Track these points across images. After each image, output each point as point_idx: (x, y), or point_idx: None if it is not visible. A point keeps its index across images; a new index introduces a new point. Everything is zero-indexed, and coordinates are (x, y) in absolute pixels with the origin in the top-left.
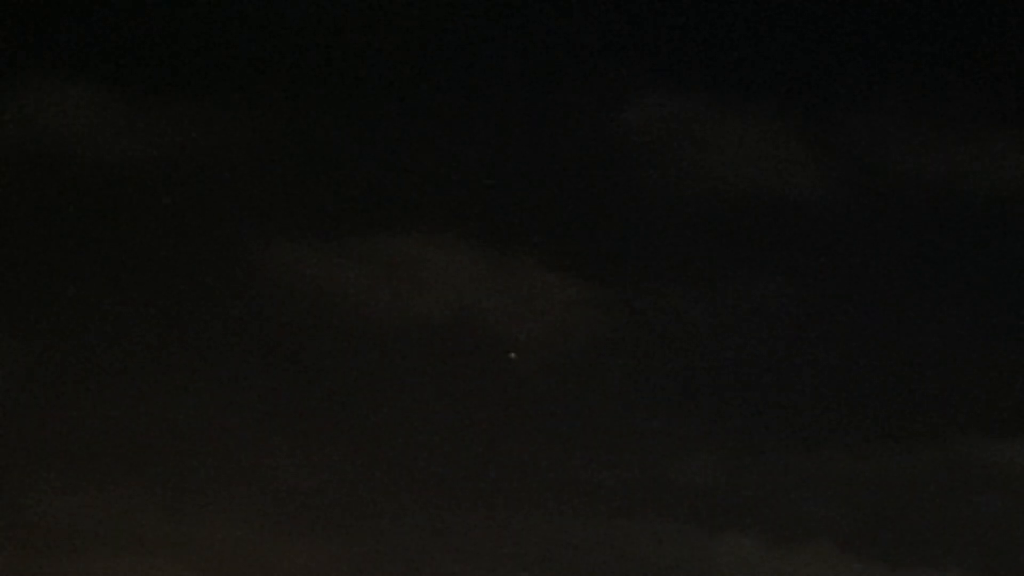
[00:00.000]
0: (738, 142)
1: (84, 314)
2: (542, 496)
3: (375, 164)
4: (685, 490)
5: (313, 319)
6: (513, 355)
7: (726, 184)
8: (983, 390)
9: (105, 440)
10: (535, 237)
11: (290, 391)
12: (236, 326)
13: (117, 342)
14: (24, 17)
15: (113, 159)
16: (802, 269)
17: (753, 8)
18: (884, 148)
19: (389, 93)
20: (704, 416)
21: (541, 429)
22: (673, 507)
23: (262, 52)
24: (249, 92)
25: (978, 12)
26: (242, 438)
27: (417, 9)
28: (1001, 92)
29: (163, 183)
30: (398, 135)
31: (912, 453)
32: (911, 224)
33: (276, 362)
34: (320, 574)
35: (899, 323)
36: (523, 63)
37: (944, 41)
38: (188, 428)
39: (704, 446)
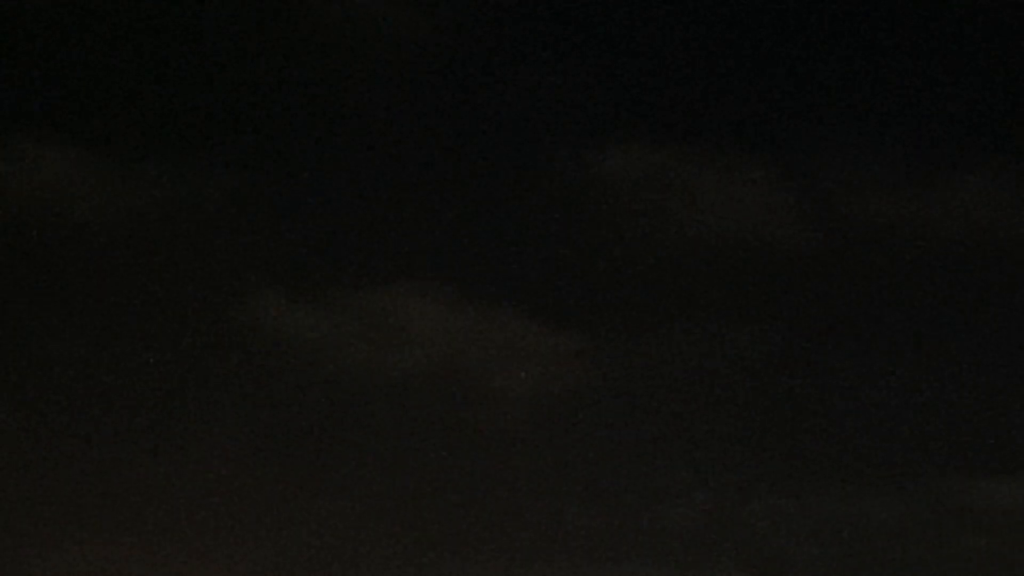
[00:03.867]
0: (716, 190)
1: (70, 372)
2: (528, 544)
3: (356, 217)
4: (670, 534)
5: (296, 373)
6: (523, 374)
7: (705, 232)
8: (964, 431)
9: (97, 495)
10: (516, 288)
11: (274, 445)
12: (219, 380)
13: (103, 399)
14: (4, 81)
15: (93, 219)
16: (783, 315)
17: (728, 57)
18: (860, 194)
19: (368, 146)
20: (689, 462)
21: (526, 478)
22: (659, 552)
23: (241, 109)
24: (228, 148)
25: (949, 60)
26: (229, 491)
27: (393, 62)
28: (973, 137)
29: (143, 241)
30: (378, 188)
31: (895, 495)
32: (889, 269)
33: (260, 416)
34: None
35: (879, 367)
36: (502, 113)
37: (917, 88)
38: (175, 481)
39: (689, 491)
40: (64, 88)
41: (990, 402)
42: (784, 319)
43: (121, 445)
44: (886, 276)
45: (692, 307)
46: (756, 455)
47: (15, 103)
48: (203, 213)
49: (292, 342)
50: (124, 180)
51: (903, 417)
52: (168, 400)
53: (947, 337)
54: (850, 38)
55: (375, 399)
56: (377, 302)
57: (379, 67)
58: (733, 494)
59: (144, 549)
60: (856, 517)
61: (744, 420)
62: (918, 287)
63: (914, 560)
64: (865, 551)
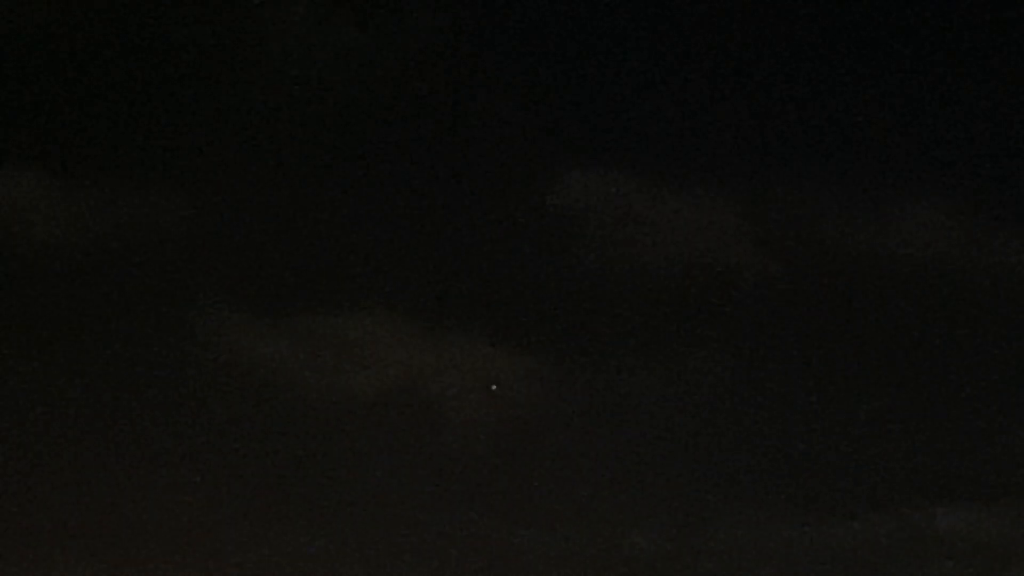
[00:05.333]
0: (673, 218)
1: (31, 394)
2: (487, 568)
3: (317, 241)
4: (629, 560)
5: (256, 396)
6: (494, 387)
7: (663, 258)
8: (930, 458)
9: (58, 516)
10: (476, 313)
11: (233, 467)
12: (179, 402)
13: (64, 421)
14: None
15: (53, 241)
16: (742, 342)
17: (687, 85)
18: (818, 221)
19: (329, 171)
20: (651, 488)
21: (487, 504)
22: None
23: (202, 132)
24: (190, 170)
25: (905, 91)
26: (187, 512)
27: (356, 89)
28: (935, 164)
29: (103, 263)
30: (339, 212)
31: (860, 521)
32: (849, 296)
33: (218, 439)
34: None
35: (842, 392)
36: (462, 140)
37: (878, 113)
38: (133, 505)
39: (651, 518)
40: (23, 110)
41: (955, 429)
42: (743, 346)
43: (81, 467)
44: (846, 303)
45: (651, 333)
46: (716, 480)
47: None
48: (164, 236)
49: (253, 365)
50: (84, 202)
51: (866, 443)
52: (126, 423)
53: (909, 364)
54: (808, 70)
55: (336, 422)
56: (338, 326)
57: (341, 93)
58: (693, 519)
59: (107, 572)
60: (818, 544)
61: (704, 446)
62: (878, 314)
63: None
64: None
